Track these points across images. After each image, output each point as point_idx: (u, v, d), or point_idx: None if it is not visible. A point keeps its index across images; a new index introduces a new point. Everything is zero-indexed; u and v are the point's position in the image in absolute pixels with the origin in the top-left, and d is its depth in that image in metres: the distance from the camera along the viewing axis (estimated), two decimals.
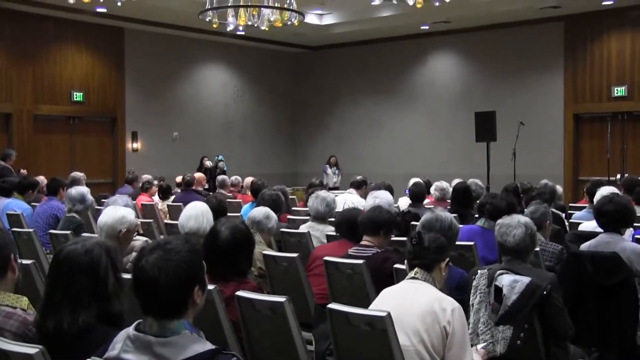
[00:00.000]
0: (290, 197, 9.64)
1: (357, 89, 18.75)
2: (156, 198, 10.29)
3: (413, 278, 3.13)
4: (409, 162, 17.06)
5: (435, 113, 17.21)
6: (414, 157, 17.26)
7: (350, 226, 4.84)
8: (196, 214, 4.75)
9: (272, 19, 10.12)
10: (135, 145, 16.25)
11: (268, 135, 19.38)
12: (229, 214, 6.31)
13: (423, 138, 17.34)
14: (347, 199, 8.28)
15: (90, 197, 6.48)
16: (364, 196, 7.78)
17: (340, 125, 19.15)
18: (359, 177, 9.25)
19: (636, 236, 4.93)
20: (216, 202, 5.73)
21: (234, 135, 18.38)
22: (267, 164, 18.83)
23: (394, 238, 5.06)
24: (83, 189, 6.50)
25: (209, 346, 2.02)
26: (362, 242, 4.51)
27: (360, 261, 4.25)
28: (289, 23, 10.23)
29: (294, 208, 8.81)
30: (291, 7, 9.91)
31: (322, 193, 6.28)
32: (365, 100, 18.59)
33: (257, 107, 19.17)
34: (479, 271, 3.62)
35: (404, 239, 4.90)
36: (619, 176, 12.86)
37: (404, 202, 8.21)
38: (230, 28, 10.60)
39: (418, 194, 7.48)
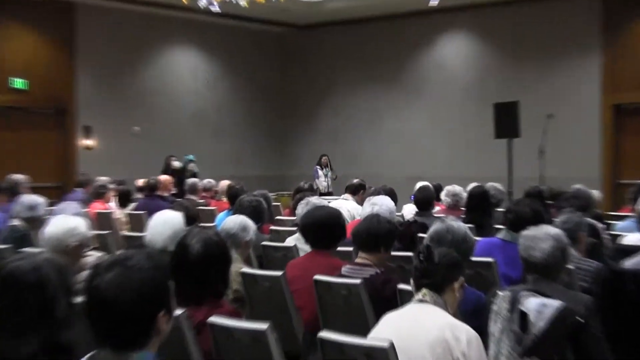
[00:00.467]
0: (275, 204, 9.60)
1: (354, 76, 18.78)
2: (113, 205, 10.25)
3: (421, 301, 3.12)
4: (415, 163, 17.09)
5: (446, 105, 17.25)
6: (421, 156, 17.29)
7: (316, 231, 4.87)
8: (162, 228, 4.73)
9: None
10: (88, 142, 16.20)
11: (248, 131, 19.37)
12: (200, 224, 6.30)
13: (432, 134, 17.38)
14: (342, 206, 8.25)
15: (43, 210, 6.46)
16: (362, 202, 7.78)
17: (334, 120, 19.16)
18: (355, 181, 9.26)
19: None
20: (185, 210, 5.71)
21: (207, 130, 18.36)
22: (246, 165, 18.82)
23: (397, 253, 5.06)
24: (39, 199, 6.51)
25: None
26: (358, 260, 4.50)
27: (358, 280, 4.24)
28: None
29: (278, 217, 8.80)
30: None
31: (313, 199, 6.28)
32: (363, 90, 18.61)
33: (234, 98, 19.16)
34: (499, 293, 3.61)
35: (410, 254, 4.92)
36: None
37: (409, 210, 8.22)
38: (203, 3, 10.60)
39: (425, 200, 7.48)
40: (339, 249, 5.51)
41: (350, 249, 5.04)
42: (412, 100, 17.83)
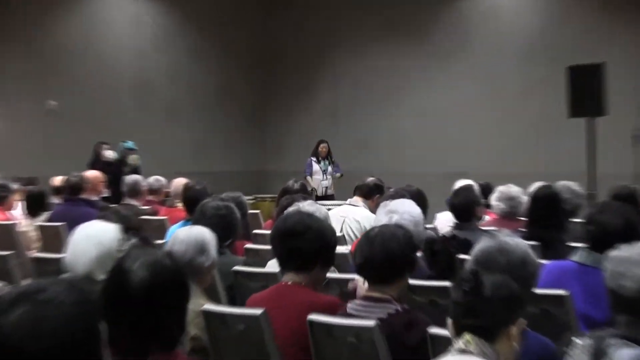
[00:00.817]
0: (252, 211, 9.62)
1: (364, 32, 18.79)
2: (18, 213, 10.24)
3: (463, 351, 3.12)
4: (454, 154, 17.10)
5: (498, 70, 17.24)
6: (462, 144, 17.29)
7: (286, 246, 4.81)
8: (86, 246, 4.72)
9: None
10: None
11: (214, 110, 19.36)
12: (144, 241, 6.28)
13: (477, 113, 17.38)
14: (349, 215, 8.26)
15: None
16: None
17: (335, 94, 19.16)
18: (369, 179, 9.25)
19: None
20: (122, 221, 5.70)
21: (155, 108, 18.34)
22: (211, 158, 18.83)
23: (427, 283, 5.04)
24: None
25: None
26: (369, 294, 4.47)
27: (371, 322, 4.24)
28: None
29: (256, 231, 8.77)
30: None
31: (306, 205, 6.25)
32: (377, 50, 18.60)
33: (195, 62, 19.14)
34: (576, 340, 3.61)
35: (446, 283, 4.91)
36: None
37: (445, 220, 8.20)
38: None
39: (465, 207, 7.47)
40: (341, 276, 5.49)
41: (354, 277, 5.01)
42: (448, 64, 17.83)
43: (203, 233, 5.11)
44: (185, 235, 5.10)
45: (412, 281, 4.73)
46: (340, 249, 5.59)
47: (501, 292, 3.16)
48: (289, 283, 4.81)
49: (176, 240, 5.07)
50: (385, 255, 4.42)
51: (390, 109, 18.39)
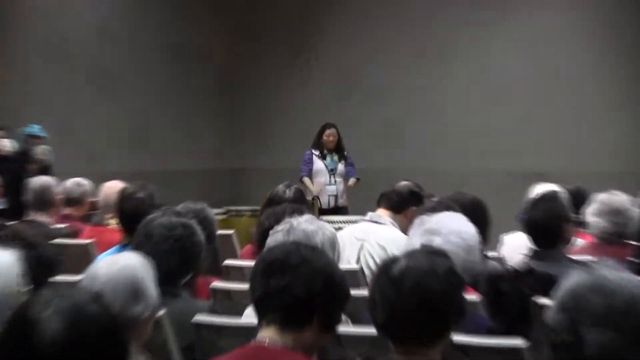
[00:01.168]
0: (223, 232, 9.72)
1: None
2: None
3: None
4: (527, 147, 17.12)
5: (589, 27, 17.27)
6: (539, 132, 17.31)
7: (272, 286, 4.69)
8: None
9: None
10: None
11: (168, 80, 19.43)
12: (60, 277, 6.26)
13: (560, 88, 17.43)
14: (369, 237, 8.29)
15: None
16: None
17: (349, 59, 19.24)
18: (401, 184, 9.22)
19: None
20: (26, 247, 5.67)
21: (76, 76, 18.42)
22: (163, 150, 18.93)
23: (487, 341, 5.01)
24: None
25: None
26: (398, 356, 4.43)
27: None
28: None
29: (229, 262, 8.78)
30: None
31: (302, 222, 6.22)
32: None
33: (140, 10, 19.21)
34: None
35: (518, 343, 4.87)
36: None
37: (517, 246, 8.18)
38: None
39: (546, 225, 7.46)
40: (357, 330, 5.47)
41: (370, 330, 4.95)
42: (513, 19, 17.92)
43: (133, 267, 5.07)
44: (107, 273, 5.04)
45: (464, 337, 4.70)
46: (356, 292, 5.54)
47: (611, 356, 3.12)
48: (266, 344, 4.66)
49: (95, 281, 5.00)
50: (422, 304, 4.32)
51: (431, 80, 18.43)
